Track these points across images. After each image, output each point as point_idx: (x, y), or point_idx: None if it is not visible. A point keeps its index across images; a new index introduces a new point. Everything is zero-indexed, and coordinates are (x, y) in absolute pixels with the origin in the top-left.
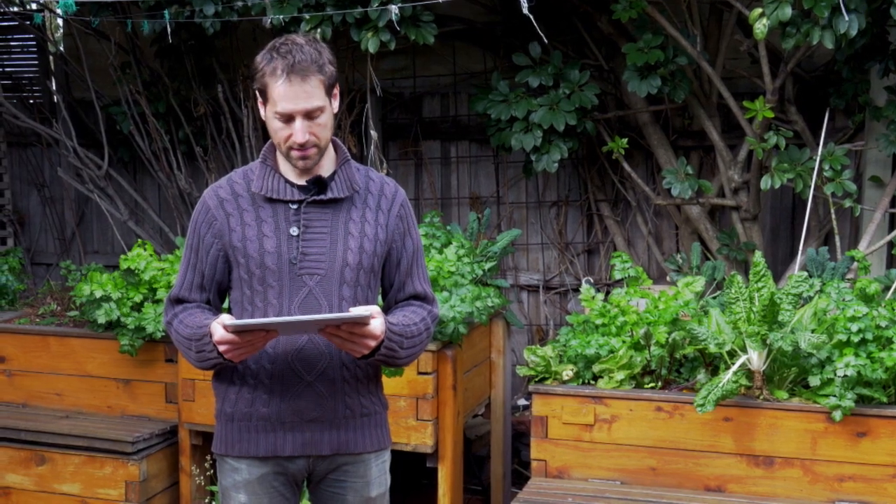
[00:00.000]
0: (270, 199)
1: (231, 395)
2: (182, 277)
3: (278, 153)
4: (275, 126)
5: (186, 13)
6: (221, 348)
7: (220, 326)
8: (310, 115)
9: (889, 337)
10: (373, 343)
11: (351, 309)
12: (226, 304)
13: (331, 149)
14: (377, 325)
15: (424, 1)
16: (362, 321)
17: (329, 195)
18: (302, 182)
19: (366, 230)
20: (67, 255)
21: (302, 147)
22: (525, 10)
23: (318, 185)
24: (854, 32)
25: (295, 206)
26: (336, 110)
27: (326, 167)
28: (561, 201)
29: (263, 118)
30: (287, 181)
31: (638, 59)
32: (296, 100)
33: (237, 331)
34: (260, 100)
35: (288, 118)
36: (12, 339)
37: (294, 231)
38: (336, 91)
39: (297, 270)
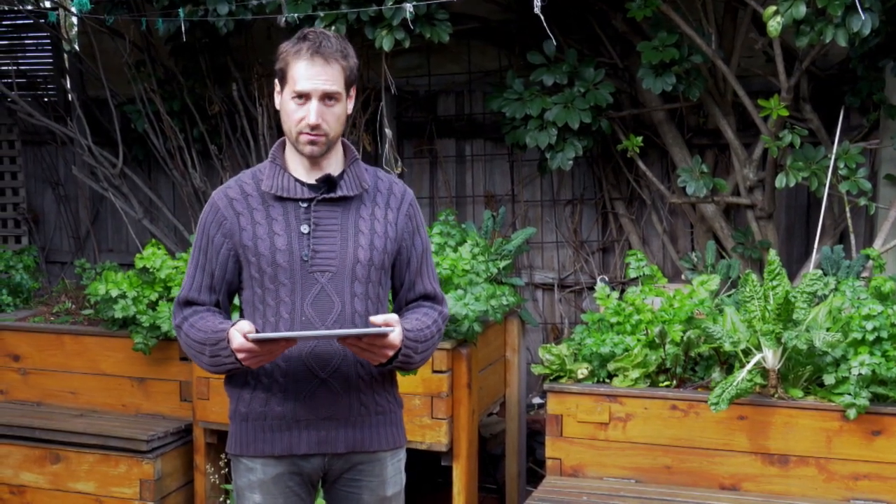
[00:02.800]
0: (280, 197)
1: (245, 395)
2: (190, 279)
3: (287, 152)
4: (289, 108)
5: (200, 12)
6: (240, 356)
7: (239, 334)
8: (325, 100)
9: None
10: (391, 352)
11: (371, 318)
12: (236, 303)
13: (340, 148)
14: (396, 334)
15: None
16: (382, 335)
17: (339, 193)
18: (312, 181)
19: (376, 227)
20: (82, 254)
21: (313, 129)
22: (536, 10)
23: (328, 183)
24: (867, 31)
25: (305, 205)
26: (350, 111)
27: (335, 166)
28: (576, 199)
29: (278, 106)
30: (297, 180)
31: (653, 58)
32: (315, 79)
33: (258, 341)
34: (277, 88)
35: (305, 98)
36: (27, 337)
37: (305, 229)
38: (353, 92)
39: (308, 268)
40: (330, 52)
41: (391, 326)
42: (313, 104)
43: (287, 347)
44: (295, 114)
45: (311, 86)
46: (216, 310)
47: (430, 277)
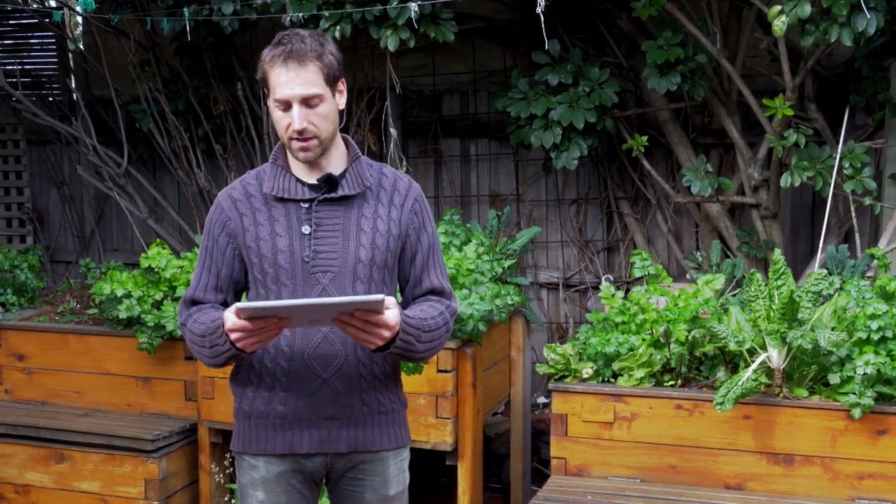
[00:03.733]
0: (282, 198)
1: (248, 394)
2: (197, 279)
3: (288, 152)
4: (276, 116)
5: (205, 12)
6: (233, 336)
7: (232, 314)
8: (307, 102)
9: None
10: (387, 333)
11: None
12: None
13: (342, 146)
14: (392, 315)
15: None
16: (375, 307)
17: (340, 193)
18: (313, 181)
19: (378, 226)
20: (87, 253)
21: (300, 135)
22: (539, 10)
23: (329, 183)
24: (872, 30)
25: (306, 205)
26: (341, 106)
27: (337, 165)
28: (581, 199)
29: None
30: (298, 180)
31: (658, 57)
32: (292, 85)
33: (250, 317)
34: (267, 94)
35: (286, 105)
36: (32, 336)
37: (306, 229)
38: (342, 86)
39: (309, 268)
40: (303, 53)
41: (386, 305)
42: (295, 110)
43: (281, 327)
44: (281, 121)
45: (288, 92)
46: (220, 307)
47: (438, 273)
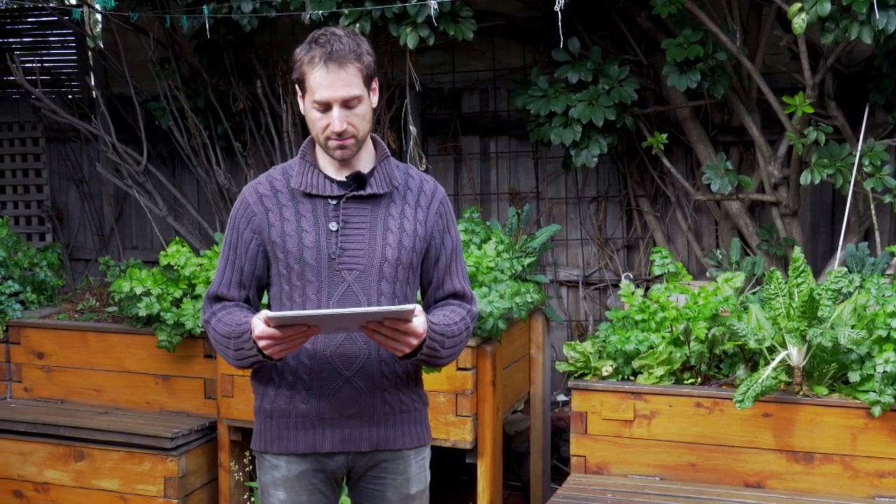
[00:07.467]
0: (310, 194)
1: (270, 392)
2: (220, 275)
3: (317, 149)
4: (313, 116)
5: (225, 9)
6: (261, 344)
7: (260, 321)
8: (347, 104)
9: None
10: (415, 341)
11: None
12: (264, 302)
13: (370, 145)
14: (419, 322)
15: None
16: (405, 317)
17: (368, 191)
18: (341, 178)
19: (405, 226)
20: (106, 251)
21: (339, 136)
22: (557, 8)
23: (358, 180)
24: (892, 28)
25: (334, 202)
26: (375, 104)
27: (366, 163)
28: (600, 197)
29: (303, 111)
30: (326, 177)
31: (677, 55)
32: (333, 87)
33: (279, 325)
34: (299, 92)
35: (326, 107)
36: (51, 334)
37: (333, 226)
38: (375, 85)
39: (335, 265)
40: (343, 55)
41: (414, 312)
42: (335, 112)
43: (309, 336)
44: (319, 122)
45: (329, 94)
46: (245, 305)
47: (460, 276)
